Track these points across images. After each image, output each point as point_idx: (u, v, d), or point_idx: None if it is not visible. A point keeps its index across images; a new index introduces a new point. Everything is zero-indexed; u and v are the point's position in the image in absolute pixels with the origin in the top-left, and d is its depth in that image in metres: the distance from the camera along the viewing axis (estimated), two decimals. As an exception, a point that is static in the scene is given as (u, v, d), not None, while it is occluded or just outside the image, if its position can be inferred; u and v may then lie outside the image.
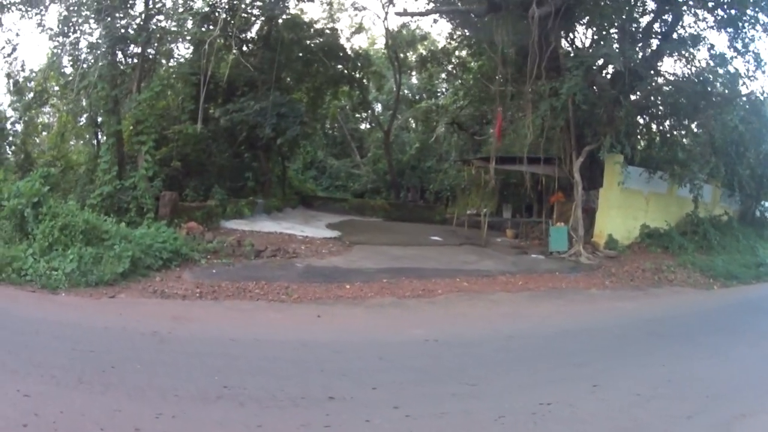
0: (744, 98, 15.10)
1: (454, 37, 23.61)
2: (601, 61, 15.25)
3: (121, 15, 14.40)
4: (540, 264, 14.07)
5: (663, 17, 16.12)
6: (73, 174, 17.01)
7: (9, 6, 15.27)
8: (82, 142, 20.79)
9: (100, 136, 14.75)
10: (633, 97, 14.97)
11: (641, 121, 16.69)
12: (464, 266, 12.95)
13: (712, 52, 15.49)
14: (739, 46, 15.04)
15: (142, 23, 14.82)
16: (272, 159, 22.55)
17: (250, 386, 5.08)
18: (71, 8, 14.66)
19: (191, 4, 16.36)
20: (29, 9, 15.21)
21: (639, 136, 16.81)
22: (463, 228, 21.57)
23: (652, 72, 15.67)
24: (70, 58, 15.37)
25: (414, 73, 32.77)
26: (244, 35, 20.73)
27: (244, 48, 20.83)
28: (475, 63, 24.54)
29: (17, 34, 16.77)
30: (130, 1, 14.86)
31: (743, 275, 14.65)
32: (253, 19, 20.73)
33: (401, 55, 30.11)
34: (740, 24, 14.99)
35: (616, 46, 15.18)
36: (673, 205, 17.65)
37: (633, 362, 6.95)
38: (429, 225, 24.13)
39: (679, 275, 14.03)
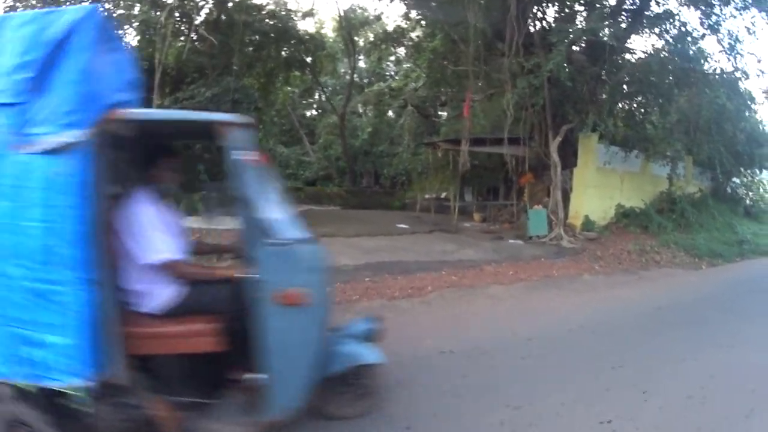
0: (724, 76, 14.56)
1: (410, 16, 22.47)
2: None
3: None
4: (522, 250, 13.26)
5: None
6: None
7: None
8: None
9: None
10: (610, 75, 14.21)
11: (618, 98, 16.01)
12: (445, 257, 11.98)
13: (683, 29, 14.96)
14: (712, 23, 14.49)
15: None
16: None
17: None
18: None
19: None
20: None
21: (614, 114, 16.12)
22: (427, 213, 20.63)
23: (629, 48, 15.08)
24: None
25: (362, 57, 31.47)
26: (194, 19, 19.12)
27: (194, 33, 19.26)
28: (430, 43, 23.47)
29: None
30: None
31: (727, 253, 14.47)
32: (203, 2, 19.23)
33: (355, 38, 28.81)
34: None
35: (583, 22, 14.52)
36: (647, 183, 17.27)
37: (666, 358, 6.24)
38: (390, 212, 23.23)
39: (665, 256, 13.65)
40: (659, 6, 14.42)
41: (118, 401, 3.27)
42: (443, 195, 25.57)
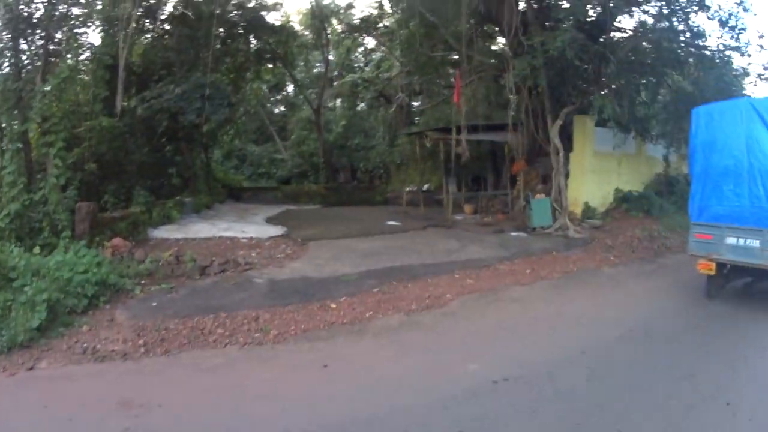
0: (722, 53, 13.86)
1: (382, 4, 21.47)
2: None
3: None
4: (529, 243, 12.45)
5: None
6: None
7: None
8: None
9: (3, 143, 11.58)
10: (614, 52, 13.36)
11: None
12: (451, 256, 11.03)
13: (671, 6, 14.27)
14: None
15: (47, 4, 11.96)
16: (195, 150, 19.68)
17: None
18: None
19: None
20: None
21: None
22: (414, 208, 19.74)
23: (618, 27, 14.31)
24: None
25: (331, 49, 30.20)
26: (159, 13, 17.90)
27: (159, 28, 18.25)
28: (403, 31, 22.46)
29: None
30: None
31: None
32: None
33: (327, 27, 27.64)
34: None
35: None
36: (642, 165, 16.68)
37: (734, 359, 5.82)
38: (373, 207, 22.21)
39: (673, 241, 13.03)
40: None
41: None
42: (425, 187, 24.71)
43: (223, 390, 5.10)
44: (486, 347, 6.24)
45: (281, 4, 22.64)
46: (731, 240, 7.65)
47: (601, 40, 12.64)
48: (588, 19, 12.80)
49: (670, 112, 14.90)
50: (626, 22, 14.80)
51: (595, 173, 15.27)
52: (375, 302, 7.81)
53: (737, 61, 14.27)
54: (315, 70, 33.83)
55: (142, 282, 8.50)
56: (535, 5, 13.86)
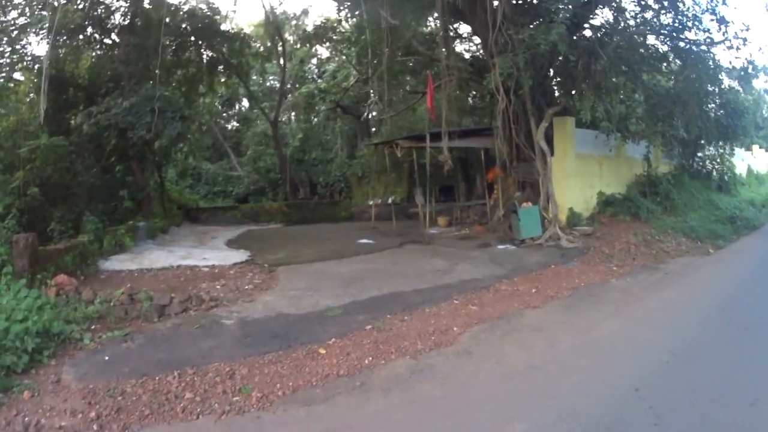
0: (699, 48, 13.28)
1: (342, 8, 20.29)
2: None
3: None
4: (523, 258, 11.46)
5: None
6: None
7: None
8: None
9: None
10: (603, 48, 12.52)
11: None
12: (443, 278, 9.84)
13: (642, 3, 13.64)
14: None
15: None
16: (147, 169, 18.06)
17: None
18: None
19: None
20: None
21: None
22: (383, 222, 18.70)
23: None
24: None
25: (286, 59, 28.83)
26: (107, 23, 16.75)
27: (107, 39, 17.15)
28: (363, 37, 21.38)
29: None
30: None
31: (724, 232, 13.87)
32: (116, 3, 16.75)
33: (282, 35, 26.32)
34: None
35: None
36: (622, 166, 16.07)
37: None
38: (339, 224, 21.07)
39: (668, 244, 12.58)
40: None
41: None
42: (390, 200, 23.64)
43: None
44: (524, 397, 5.08)
45: (234, 11, 21.42)
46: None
47: (590, 35, 11.85)
48: (567, 15, 11.92)
49: (648, 111, 14.28)
50: (601, 17, 14.04)
51: (578, 177, 14.51)
52: (372, 344, 6.53)
53: (723, 57, 13.81)
54: (268, 84, 32.61)
55: (93, 327, 6.95)
56: (513, 1, 12.89)
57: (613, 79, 12.65)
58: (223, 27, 20.51)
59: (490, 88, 12.33)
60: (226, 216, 22.73)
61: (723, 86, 13.41)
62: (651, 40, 13.18)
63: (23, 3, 13.30)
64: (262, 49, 26.01)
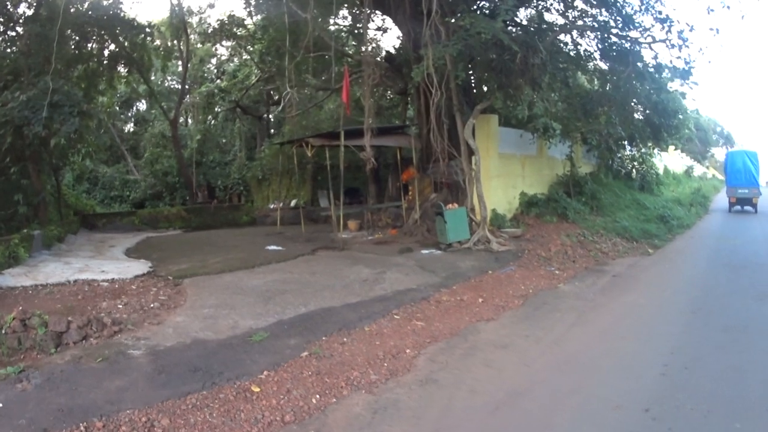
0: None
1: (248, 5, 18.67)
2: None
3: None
4: (454, 263, 10.30)
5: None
6: None
7: None
8: None
9: None
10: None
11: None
12: (374, 289, 8.42)
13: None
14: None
15: None
16: (43, 172, 15.83)
17: None
18: None
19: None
20: None
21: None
22: (289, 227, 17.19)
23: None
24: None
25: (189, 56, 26.54)
26: (13, 15, 15.56)
27: (10, 32, 15.88)
28: (264, 35, 19.88)
29: None
30: None
31: (658, 232, 13.77)
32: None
33: (186, 30, 24.10)
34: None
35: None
36: (545, 167, 15.60)
37: None
38: (242, 229, 19.41)
39: (603, 245, 12.16)
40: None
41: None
42: (293, 203, 22.14)
43: None
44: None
45: (139, 2, 19.29)
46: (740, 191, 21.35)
47: (532, 29, 11.10)
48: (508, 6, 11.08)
49: (572, 110, 13.88)
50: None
51: (501, 177, 13.77)
52: (315, 375, 5.03)
53: (661, 56, 13.52)
54: (167, 83, 30.34)
55: (-22, 363, 5.05)
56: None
57: (552, 74, 11.96)
58: (128, 16, 18.54)
59: (416, 81, 11.20)
60: (124, 222, 20.50)
61: (654, 85, 13.11)
62: (579, 37, 12.63)
63: None
64: (162, 49, 23.68)
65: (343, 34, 19.44)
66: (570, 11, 12.36)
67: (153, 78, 27.90)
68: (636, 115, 14.18)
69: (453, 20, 10.83)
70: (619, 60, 11.82)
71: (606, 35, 11.64)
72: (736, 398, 4.46)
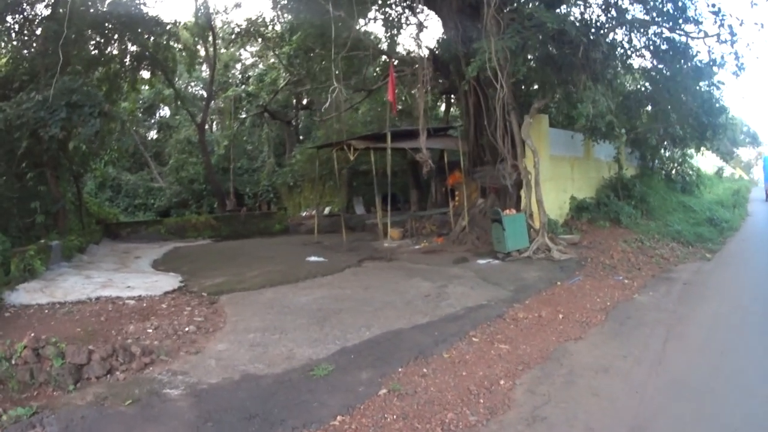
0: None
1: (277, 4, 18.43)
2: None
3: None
4: (518, 274, 9.94)
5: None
6: None
7: None
8: None
9: None
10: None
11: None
12: (441, 307, 8.00)
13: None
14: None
15: None
16: (63, 178, 15.34)
17: None
18: None
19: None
20: None
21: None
22: (327, 236, 16.85)
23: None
24: None
25: (216, 57, 26.41)
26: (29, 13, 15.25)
27: (26, 29, 15.56)
28: (293, 36, 19.57)
29: None
30: None
31: (711, 236, 13.36)
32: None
33: (213, 30, 24.00)
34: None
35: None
36: (591, 169, 15.19)
37: None
38: (277, 239, 19.15)
39: (662, 250, 11.71)
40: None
41: None
42: (326, 211, 21.89)
43: None
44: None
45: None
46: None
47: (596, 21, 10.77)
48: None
49: (621, 111, 13.43)
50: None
51: (553, 181, 13.40)
52: (401, 420, 4.48)
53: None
54: (190, 89, 30.26)
55: (-14, 405, 4.62)
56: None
57: (614, 70, 11.57)
58: (152, 17, 18.10)
59: (466, 79, 10.86)
60: (149, 231, 20.27)
61: (706, 82, 12.66)
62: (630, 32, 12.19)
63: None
64: (184, 54, 23.53)
65: (380, 33, 19.08)
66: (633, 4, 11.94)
67: (177, 82, 27.72)
68: (691, 113, 13.68)
69: (509, 10, 10.41)
70: (672, 56, 11.40)
71: (660, 30, 11.23)
72: None
